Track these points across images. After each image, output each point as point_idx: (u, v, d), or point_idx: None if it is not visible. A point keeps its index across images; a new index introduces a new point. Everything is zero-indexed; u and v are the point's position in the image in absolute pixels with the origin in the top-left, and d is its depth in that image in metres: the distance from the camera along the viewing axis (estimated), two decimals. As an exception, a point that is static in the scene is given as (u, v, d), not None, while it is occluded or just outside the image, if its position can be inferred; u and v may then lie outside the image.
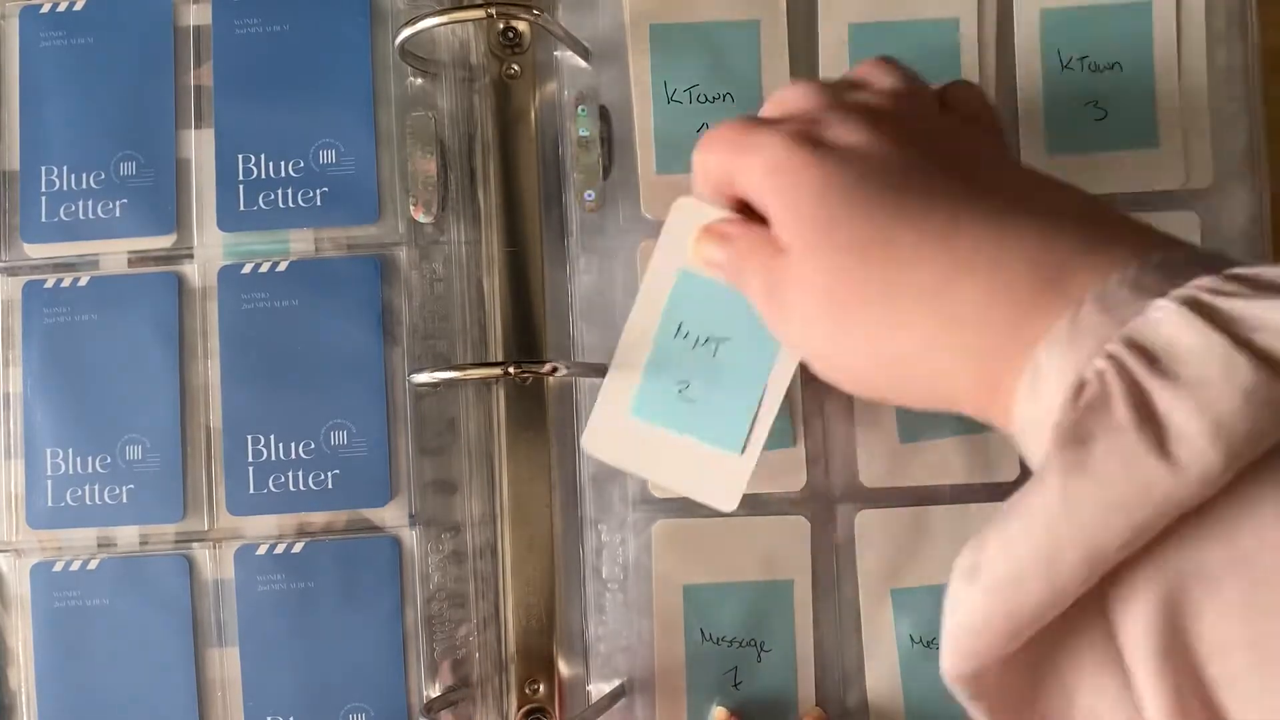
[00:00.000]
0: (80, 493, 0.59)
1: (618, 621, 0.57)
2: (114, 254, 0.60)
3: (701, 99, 0.58)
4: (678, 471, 0.51)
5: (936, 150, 0.42)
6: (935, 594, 0.56)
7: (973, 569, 0.33)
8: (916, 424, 0.56)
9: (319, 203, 0.60)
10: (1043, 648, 0.34)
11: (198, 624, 0.58)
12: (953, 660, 0.34)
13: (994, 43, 0.57)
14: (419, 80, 0.60)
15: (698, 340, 0.51)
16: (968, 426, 0.56)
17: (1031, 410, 0.35)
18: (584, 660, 0.57)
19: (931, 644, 0.56)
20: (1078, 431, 0.32)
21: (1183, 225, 0.56)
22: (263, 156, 0.60)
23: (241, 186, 0.60)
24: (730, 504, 0.50)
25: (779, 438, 0.56)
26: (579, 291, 0.58)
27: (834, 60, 0.57)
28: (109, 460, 0.59)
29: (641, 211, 0.58)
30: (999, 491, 0.56)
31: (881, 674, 0.56)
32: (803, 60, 0.58)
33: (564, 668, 0.57)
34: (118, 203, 0.60)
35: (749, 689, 0.56)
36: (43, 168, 0.60)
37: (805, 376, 0.55)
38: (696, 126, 0.57)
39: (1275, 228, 0.56)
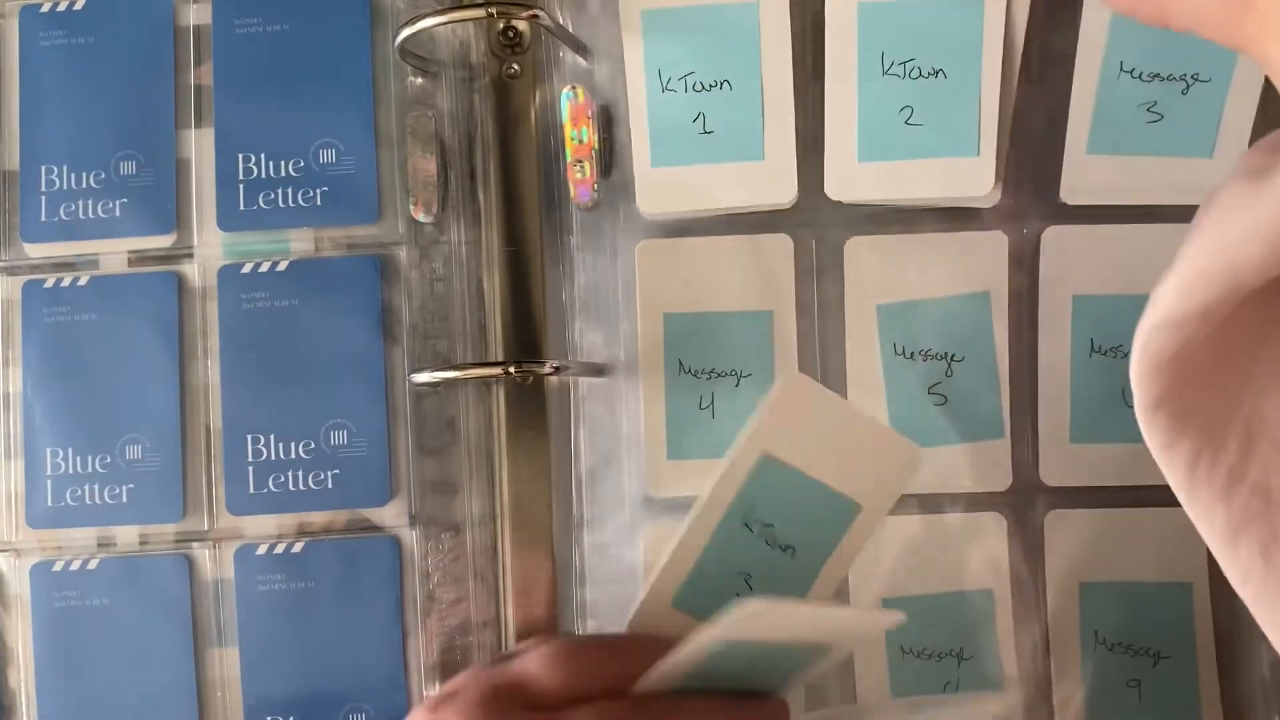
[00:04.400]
0: (80, 492, 0.59)
1: (615, 623, 0.57)
2: (114, 253, 0.60)
3: (698, 87, 0.56)
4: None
5: None
6: (927, 604, 0.56)
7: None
8: (910, 430, 0.56)
9: (319, 202, 0.60)
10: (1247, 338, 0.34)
11: (197, 624, 0.58)
12: (1157, 325, 0.34)
13: (1024, 25, 0.55)
14: (419, 80, 0.60)
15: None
16: (962, 434, 0.56)
17: None
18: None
19: (923, 654, 0.56)
20: None
21: (1184, 238, 0.55)
22: (263, 156, 0.60)
23: (241, 186, 0.60)
24: None
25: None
26: (579, 291, 0.58)
27: (842, 46, 0.55)
28: (109, 460, 0.59)
29: (636, 206, 0.57)
30: (992, 500, 0.56)
31: (872, 685, 0.56)
32: (808, 44, 0.56)
33: (561, 670, 0.58)
34: (117, 202, 0.60)
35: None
36: (43, 167, 0.60)
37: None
38: (692, 116, 0.57)
39: None
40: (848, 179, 0.55)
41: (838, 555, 0.47)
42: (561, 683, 0.44)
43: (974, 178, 0.54)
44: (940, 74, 0.53)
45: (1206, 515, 0.36)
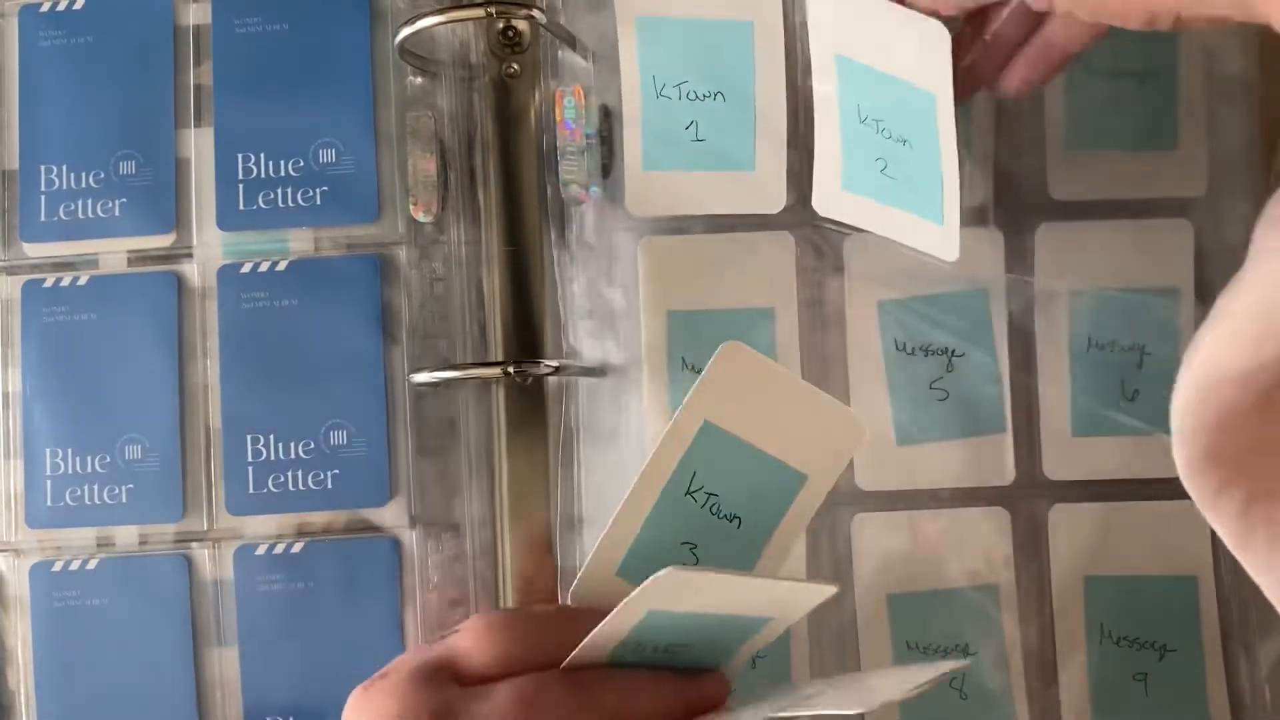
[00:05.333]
0: (79, 492, 0.59)
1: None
2: (113, 253, 0.60)
3: (692, 96, 0.56)
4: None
5: None
6: (932, 600, 0.55)
7: None
8: (913, 426, 0.56)
9: (318, 202, 0.59)
10: None
11: (197, 624, 0.58)
12: (1222, 380, 0.32)
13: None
14: (419, 79, 0.60)
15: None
16: (964, 429, 0.56)
17: None
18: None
19: (927, 650, 0.56)
20: None
21: (1175, 233, 0.56)
22: (262, 155, 0.60)
23: (241, 185, 0.60)
24: None
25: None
26: (579, 290, 0.58)
27: (823, 79, 0.53)
28: (108, 460, 0.59)
29: (625, 207, 0.57)
30: (995, 495, 0.56)
31: (878, 680, 0.56)
32: (800, 68, 0.56)
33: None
34: (117, 202, 0.60)
35: (745, 695, 0.55)
36: (42, 167, 0.60)
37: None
38: (685, 123, 0.56)
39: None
40: (833, 201, 0.55)
41: (784, 526, 0.47)
42: (490, 656, 0.44)
43: (940, 242, 0.51)
44: (907, 143, 0.53)
45: (1265, 566, 0.34)
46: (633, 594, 0.40)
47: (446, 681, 0.44)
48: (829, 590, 0.43)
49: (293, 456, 0.59)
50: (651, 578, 0.39)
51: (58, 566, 0.59)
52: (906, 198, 0.51)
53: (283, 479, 0.59)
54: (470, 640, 0.45)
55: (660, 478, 0.46)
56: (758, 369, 0.46)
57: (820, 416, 0.46)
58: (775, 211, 0.56)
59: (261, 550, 0.58)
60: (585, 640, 0.43)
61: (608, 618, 0.42)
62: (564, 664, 0.44)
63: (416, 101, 0.60)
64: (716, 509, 0.46)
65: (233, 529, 0.59)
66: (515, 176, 0.58)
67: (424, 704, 0.43)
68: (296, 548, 0.58)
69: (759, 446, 0.46)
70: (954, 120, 0.48)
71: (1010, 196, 0.56)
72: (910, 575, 0.56)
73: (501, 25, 0.58)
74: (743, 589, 0.43)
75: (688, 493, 0.46)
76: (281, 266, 0.59)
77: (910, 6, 0.46)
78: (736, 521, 0.47)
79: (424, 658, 0.45)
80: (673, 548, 0.47)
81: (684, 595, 0.42)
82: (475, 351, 0.58)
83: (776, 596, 0.44)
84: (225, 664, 0.58)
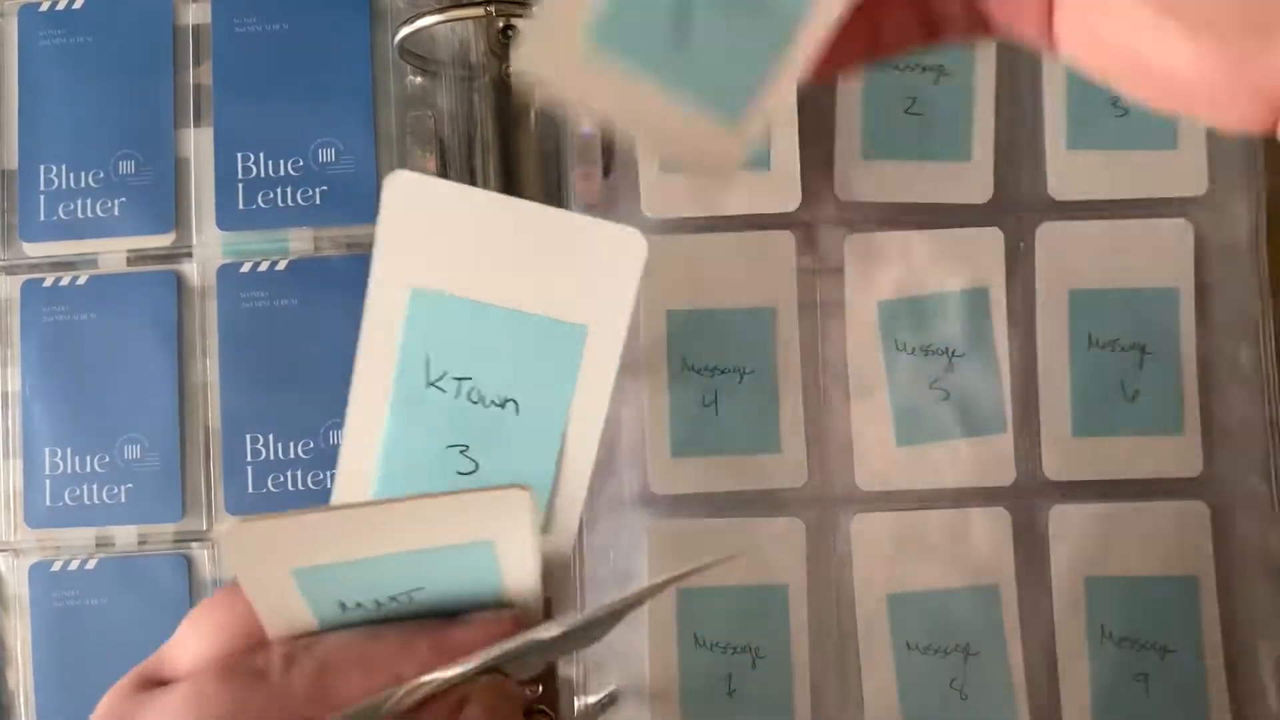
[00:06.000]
0: (79, 492, 0.59)
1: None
2: (113, 253, 0.60)
3: None
4: None
5: None
6: (932, 600, 0.55)
7: None
8: (913, 426, 0.56)
9: (318, 201, 0.59)
10: None
11: (196, 624, 0.58)
12: None
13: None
14: (418, 79, 0.60)
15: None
16: (964, 429, 0.56)
17: None
18: (577, 664, 0.57)
19: (929, 650, 0.55)
20: None
21: (1175, 232, 0.56)
22: (262, 155, 0.60)
23: (240, 185, 0.60)
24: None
25: (768, 441, 0.56)
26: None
27: None
28: (107, 459, 0.59)
29: (639, 207, 0.57)
30: (995, 495, 0.56)
31: (878, 681, 0.56)
32: None
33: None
34: (117, 201, 0.60)
35: (743, 696, 0.55)
36: (42, 166, 0.60)
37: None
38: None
39: (1272, 234, 0.56)
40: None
41: (581, 393, 0.37)
42: (191, 653, 0.38)
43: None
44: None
45: None
46: (229, 564, 0.33)
47: (139, 688, 0.39)
48: (522, 493, 0.33)
49: (292, 456, 0.58)
50: (221, 540, 0.33)
51: (57, 566, 0.59)
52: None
53: (282, 479, 0.58)
54: (175, 638, 0.39)
55: (382, 376, 0.37)
56: (455, 201, 0.36)
57: (575, 242, 0.36)
58: (791, 208, 0.56)
59: (261, 550, 0.58)
60: (262, 619, 0.35)
61: (243, 592, 0.34)
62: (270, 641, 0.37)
63: (416, 101, 0.60)
64: (478, 396, 0.37)
65: (232, 529, 0.59)
66: (515, 176, 0.58)
67: (106, 715, 0.39)
68: (296, 547, 0.58)
69: (502, 304, 0.36)
70: None
71: (1010, 196, 0.56)
72: (910, 575, 0.56)
73: (501, 24, 0.58)
74: (383, 519, 0.33)
75: (430, 384, 0.37)
76: (281, 266, 0.59)
77: None
78: (512, 406, 0.37)
79: (138, 666, 0.40)
80: (438, 454, 0.37)
81: (301, 546, 0.33)
82: (475, 351, 0.58)
83: (462, 516, 0.34)
84: (224, 664, 0.58)
